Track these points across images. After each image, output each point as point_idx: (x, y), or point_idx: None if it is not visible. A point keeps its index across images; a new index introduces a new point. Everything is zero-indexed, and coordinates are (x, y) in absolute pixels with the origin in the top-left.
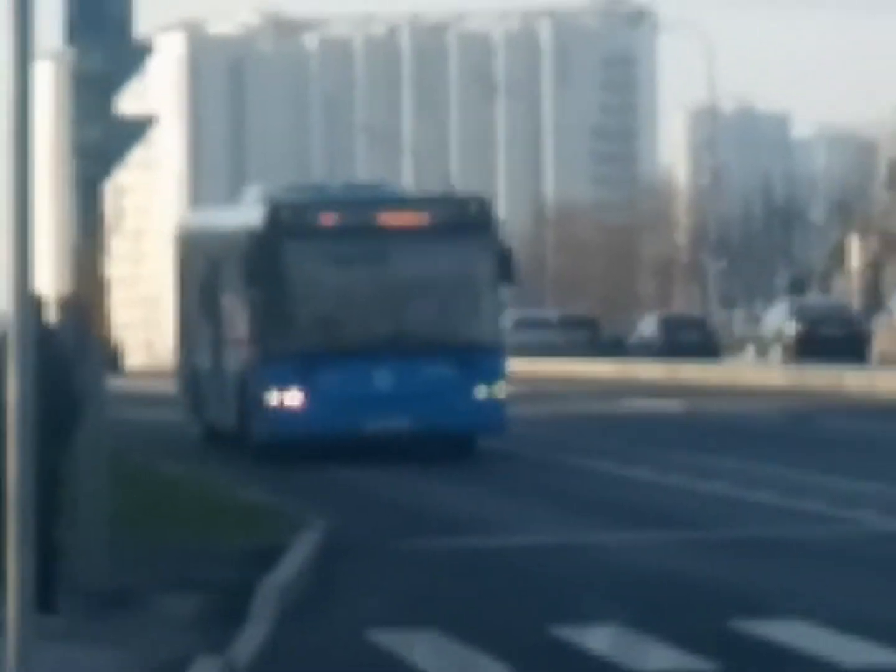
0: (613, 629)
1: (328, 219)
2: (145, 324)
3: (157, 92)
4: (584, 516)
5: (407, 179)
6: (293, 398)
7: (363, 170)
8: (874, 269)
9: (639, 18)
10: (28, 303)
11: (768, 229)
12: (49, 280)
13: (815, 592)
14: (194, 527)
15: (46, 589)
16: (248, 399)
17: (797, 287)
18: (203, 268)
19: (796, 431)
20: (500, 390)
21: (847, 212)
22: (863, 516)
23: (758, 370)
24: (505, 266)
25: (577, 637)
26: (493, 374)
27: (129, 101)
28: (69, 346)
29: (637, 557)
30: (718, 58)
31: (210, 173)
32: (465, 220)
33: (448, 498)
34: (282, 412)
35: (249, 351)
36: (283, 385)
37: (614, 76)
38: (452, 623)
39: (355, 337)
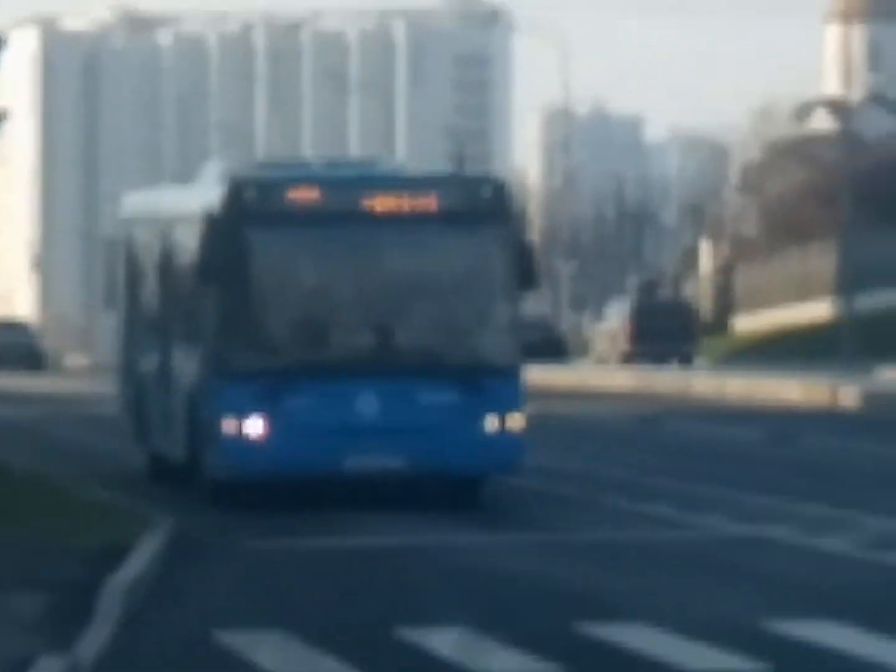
0: (458, 631)
1: (304, 201)
2: None
3: (9, 87)
4: (433, 517)
5: None
6: (255, 426)
7: None
8: (725, 272)
9: (493, 19)
10: None
11: (620, 232)
12: None
13: (662, 597)
14: (42, 524)
15: None
16: (200, 426)
17: (647, 290)
18: (149, 261)
19: (644, 434)
20: (516, 421)
21: (699, 215)
22: (711, 521)
23: (604, 373)
24: (524, 265)
25: (422, 638)
26: (507, 401)
27: None
28: None
29: (486, 559)
30: (573, 60)
31: (63, 169)
32: (477, 207)
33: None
34: (240, 444)
35: (202, 366)
36: (242, 410)
37: (468, 76)
38: (300, 623)
39: (335, 351)
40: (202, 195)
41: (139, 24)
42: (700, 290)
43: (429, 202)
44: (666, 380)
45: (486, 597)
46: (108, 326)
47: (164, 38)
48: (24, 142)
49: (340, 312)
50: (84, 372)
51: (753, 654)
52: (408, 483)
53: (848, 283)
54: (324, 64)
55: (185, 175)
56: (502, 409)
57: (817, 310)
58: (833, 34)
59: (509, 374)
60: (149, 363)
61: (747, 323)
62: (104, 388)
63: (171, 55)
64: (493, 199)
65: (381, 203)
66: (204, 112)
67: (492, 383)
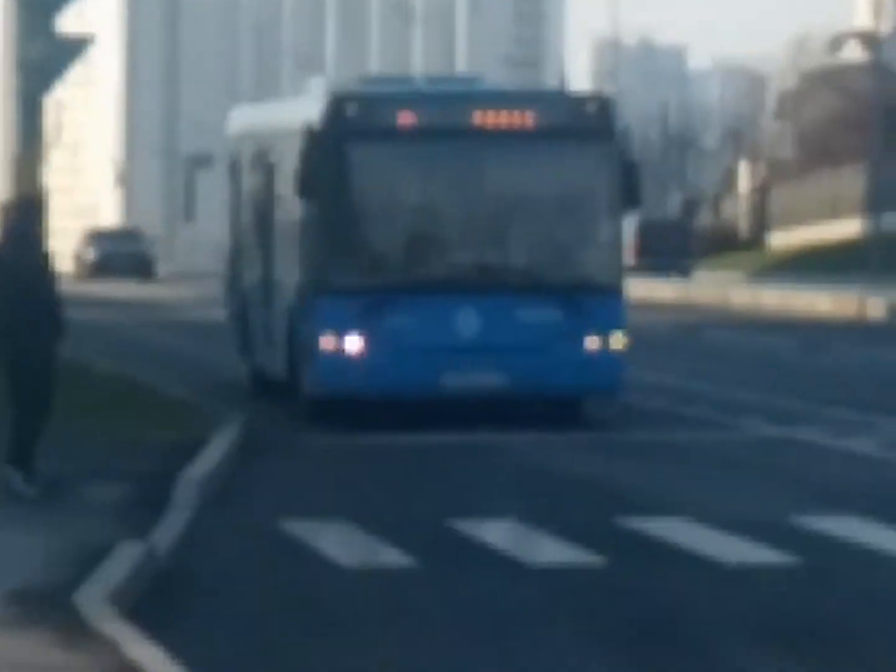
0: (509, 524)
1: (405, 116)
2: (80, 232)
3: (96, 14)
4: (486, 415)
5: None
6: (353, 344)
7: (288, 92)
8: (761, 192)
9: None
10: None
11: (665, 155)
12: None
13: (700, 494)
14: (122, 420)
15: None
16: (299, 343)
17: (689, 208)
18: (255, 176)
19: (685, 342)
20: (618, 341)
21: (738, 140)
22: (747, 423)
23: (647, 284)
24: (629, 183)
25: (475, 530)
26: (608, 320)
27: (70, 22)
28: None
29: (535, 456)
30: None
31: (145, 91)
32: (582, 123)
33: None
34: (339, 361)
35: (301, 282)
36: (340, 327)
37: (524, 9)
38: (360, 514)
39: (435, 269)
40: (305, 110)
41: None
42: (738, 209)
43: (532, 118)
44: (705, 291)
45: (535, 491)
46: (187, 237)
47: None
48: (109, 65)
49: (441, 230)
50: (170, 279)
51: (785, 548)
52: (507, 402)
53: (875, 203)
54: None
55: (259, 97)
56: (604, 329)
57: (847, 228)
58: None
59: (611, 294)
60: (253, 277)
61: (782, 239)
62: (195, 293)
63: None
64: (597, 115)
65: (484, 119)
66: (278, 39)
67: (593, 302)
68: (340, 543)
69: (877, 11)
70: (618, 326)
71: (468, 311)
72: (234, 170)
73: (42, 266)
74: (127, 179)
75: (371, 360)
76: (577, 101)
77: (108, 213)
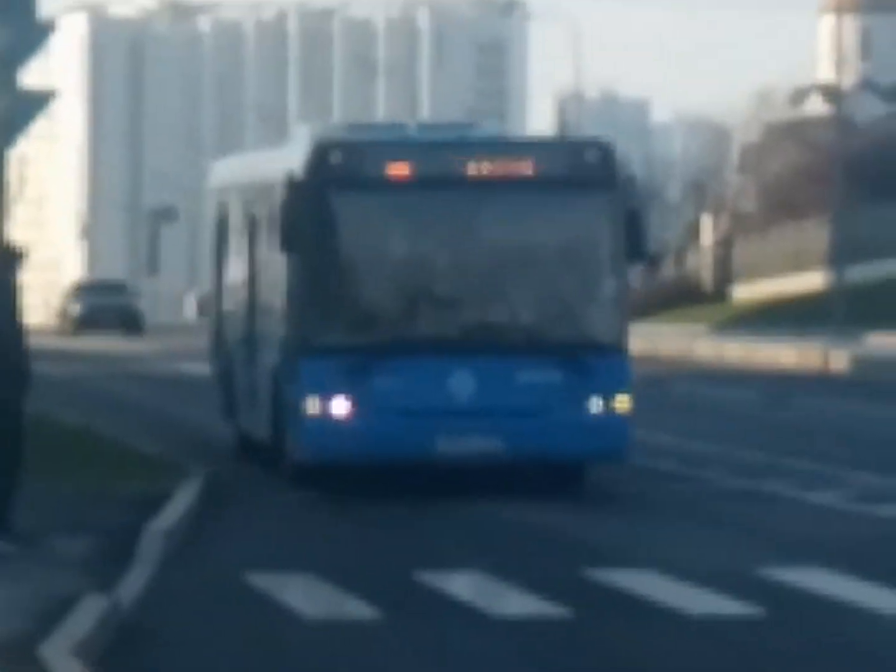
0: (475, 576)
1: (394, 165)
2: (46, 285)
3: (60, 68)
4: (452, 473)
5: None
6: (341, 407)
7: (252, 145)
8: (724, 245)
9: (510, 8)
10: None
11: None
12: None
13: (665, 546)
14: (87, 473)
15: (1, 512)
16: (283, 405)
17: (653, 261)
18: (238, 229)
19: (650, 394)
20: (623, 403)
21: (701, 192)
22: (711, 475)
23: None
24: (634, 235)
25: (441, 582)
26: (613, 381)
27: (33, 76)
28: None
29: (503, 507)
30: (584, 47)
31: (109, 145)
32: (582, 172)
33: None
34: (325, 425)
35: (285, 341)
36: (327, 389)
37: (487, 62)
38: (326, 567)
39: (427, 326)
40: (288, 159)
41: (181, 11)
42: (701, 262)
43: (530, 167)
44: (669, 344)
45: (502, 543)
46: (151, 291)
47: (204, 24)
48: (73, 120)
49: (433, 285)
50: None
51: (749, 599)
52: (505, 468)
53: (839, 255)
54: (352, 49)
55: (222, 151)
56: (608, 391)
57: (811, 280)
58: (827, 24)
59: (616, 353)
60: (237, 335)
61: (745, 292)
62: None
63: (210, 40)
64: (598, 163)
65: (479, 168)
66: (241, 93)
67: (597, 362)
68: (305, 596)
69: (839, 65)
70: (623, 387)
71: (463, 372)
72: (218, 223)
73: (11, 320)
74: (91, 233)
75: (359, 424)
76: (577, 148)
77: (72, 267)
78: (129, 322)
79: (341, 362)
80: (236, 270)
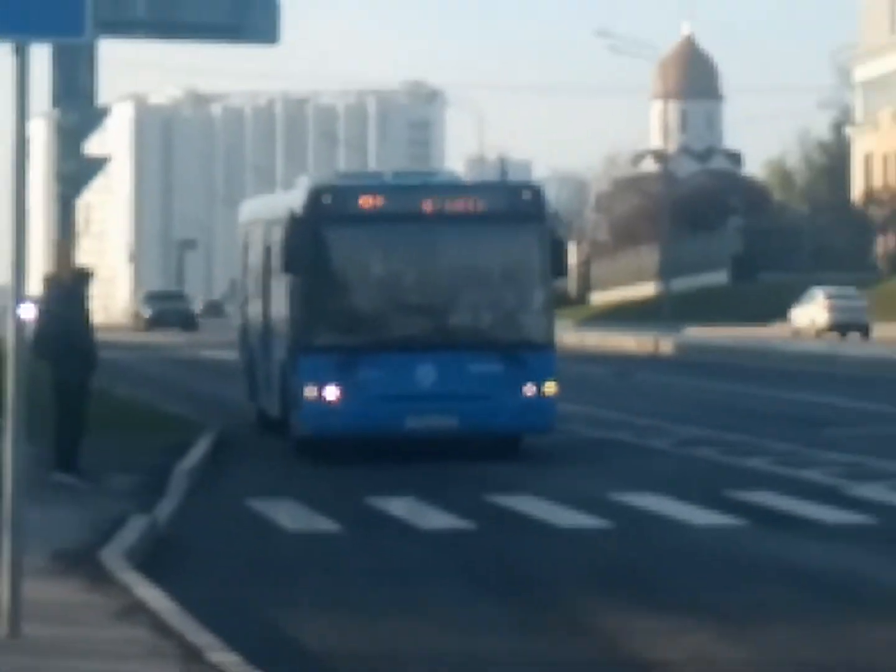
0: (409, 500)
1: (370, 203)
2: (105, 295)
3: (113, 141)
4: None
5: None
6: (331, 393)
7: (251, 194)
8: (585, 265)
9: (433, 96)
10: (21, 279)
11: None
12: (39, 265)
13: (544, 478)
14: (134, 430)
15: (73, 457)
16: (288, 391)
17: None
18: (255, 254)
19: None
20: (550, 388)
21: (568, 228)
22: (575, 427)
23: None
24: (557, 258)
25: (385, 505)
26: (543, 371)
27: (94, 146)
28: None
29: (440, 454)
30: (485, 123)
31: (148, 197)
32: (518, 208)
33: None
34: (319, 407)
35: (289, 341)
36: (320, 379)
37: (417, 136)
38: (303, 494)
39: (399, 330)
40: (291, 201)
41: (200, 100)
42: (568, 277)
43: (477, 205)
44: None
45: (429, 481)
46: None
47: (216, 109)
48: (122, 177)
49: (402, 298)
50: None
51: (603, 516)
52: (459, 440)
53: (666, 271)
54: (321, 127)
55: (229, 199)
56: (539, 379)
57: (646, 289)
58: (656, 107)
59: (545, 349)
60: (256, 336)
61: (600, 298)
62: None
63: (220, 120)
64: (531, 201)
65: (437, 205)
66: (242, 158)
67: (530, 356)
68: (288, 514)
69: (665, 135)
70: (551, 375)
71: (426, 365)
72: (244, 249)
73: (84, 321)
74: (136, 258)
75: (346, 406)
76: (515, 190)
77: (123, 283)
78: (187, 322)
79: (331, 358)
80: (256, 285)
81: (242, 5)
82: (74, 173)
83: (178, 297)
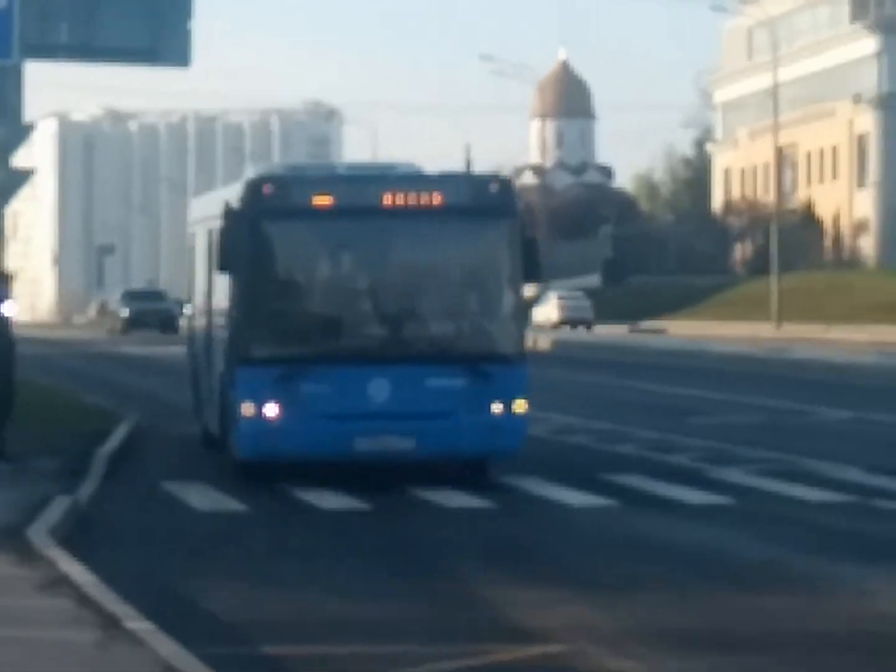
0: (311, 484)
1: (319, 196)
2: (31, 294)
3: (38, 154)
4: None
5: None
6: (271, 410)
7: (165, 209)
8: None
9: (332, 115)
10: None
11: None
12: None
13: (434, 463)
14: (58, 419)
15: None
16: (227, 407)
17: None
18: (199, 255)
19: None
20: (520, 407)
21: None
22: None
23: None
24: (529, 259)
25: (288, 488)
26: (512, 387)
27: (20, 159)
28: None
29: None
30: (380, 141)
31: (71, 205)
32: (485, 203)
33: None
34: (258, 426)
35: (226, 351)
36: (259, 395)
37: (316, 152)
38: (213, 479)
39: (348, 339)
40: (229, 193)
41: (118, 117)
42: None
43: (438, 198)
44: None
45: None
46: (96, 299)
47: (133, 125)
48: (46, 188)
49: (352, 302)
50: (88, 325)
51: (488, 497)
52: (416, 463)
53: (548, 274)
54: (229, 143)
55: (146, 208)
56: (508, 396)
57: (527, 290)
58: (535, 125)
59: (515, 362)
60: (200, 344)
61: None
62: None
63: (137, 136)
64: (498, 195)
65: (392, 199)
66: (157, 170)
67: (498, 370)
68: (198, 496)
69: (543, 151)
70: (521, 392)
71: (379, 380)
72: (189, 250)
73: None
74: (59, 262)
75: (287, 426)
76: (480, 182)
77: (48, 284)
78: (167, 323)
79: (271, 371)
80: (200, 289)
81: (157, 31)
82: (2, 184)
83: (158, 296)
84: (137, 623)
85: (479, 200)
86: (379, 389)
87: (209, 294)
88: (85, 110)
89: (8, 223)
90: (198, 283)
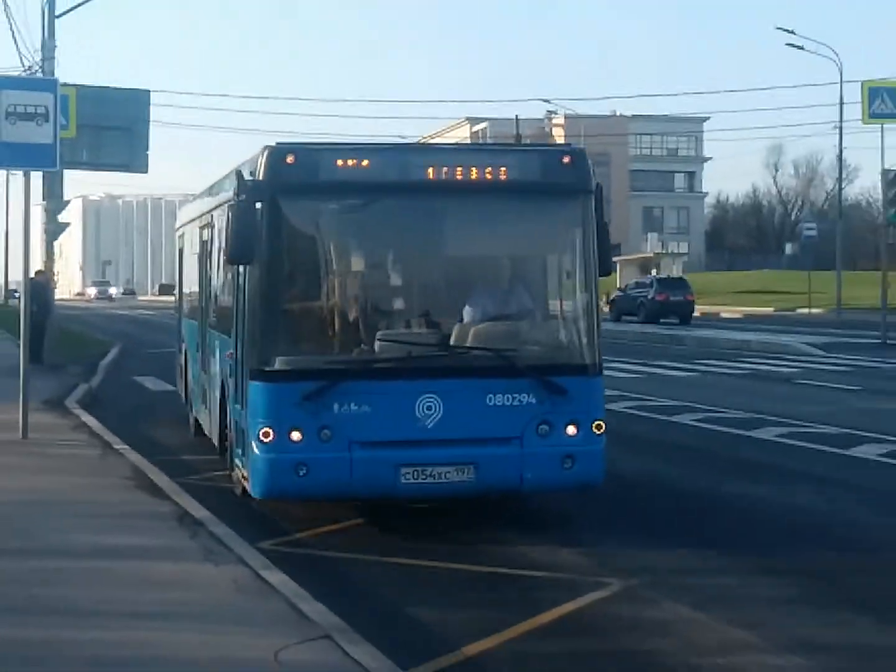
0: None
1: (352, 169)
2: (66, 285)
3: (70, 216)
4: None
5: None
6: (296, 437)
7: (140, 247)
8: None
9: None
10: (28, 281)
11: None
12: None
13: None
14: (79, 349)
15: (39, 354)
16: (232, 425)
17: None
18: (189, 252)
19: None
20: (599, 428)
21: None
22: None
23: None
24: (603, 248)
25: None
26: (590, 405)
27: (62, 217)
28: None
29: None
30: None
31: (88, 242)
32: (556, 179)
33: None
34: (279, 458)
35: (236, 360)
36: (280, 417)
37: None
38: (160, 374)
39: (390, 349)
40: (241, 168)
41: (112, 197)
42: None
43: (503, 171)
44: None
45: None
46: (98, 287)
47: (121, 202)
48: (75, 234)
49: (396, 303)
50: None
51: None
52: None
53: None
54: (170, 222)
55: (129, 244)
56: (585, 415)
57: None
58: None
59: (592, 374)
60: (192, 344)
61: None
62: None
63: (123, 209)
64: (576, 170)
65: (446, 171)
66: (136, 228)
67: (573, 384)
68: (151, 384)
69: None
70: (600, 411)
71: (430, 398)
72: (179, 252)
73: (48, 297)
74: (82, 269)
75: (316, 456)
76: (550, 154)
77: (76, 280)
78: (112, 297)
79: (296, 387)
80: (189, 286)
81: (131, 153)
82: (54, 229)
83: (108, 283)
84: (121, 446)
85: (549, 176)
86: (429, 409)
87: (201, 293)
88: (95, 194)
89: (56, 249)
90: (186, 281)
